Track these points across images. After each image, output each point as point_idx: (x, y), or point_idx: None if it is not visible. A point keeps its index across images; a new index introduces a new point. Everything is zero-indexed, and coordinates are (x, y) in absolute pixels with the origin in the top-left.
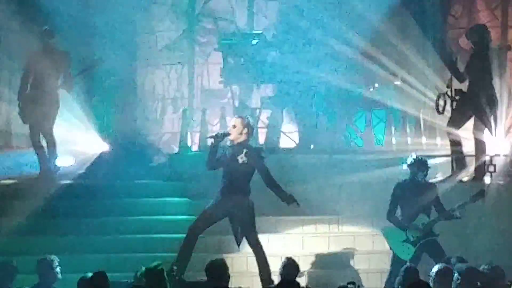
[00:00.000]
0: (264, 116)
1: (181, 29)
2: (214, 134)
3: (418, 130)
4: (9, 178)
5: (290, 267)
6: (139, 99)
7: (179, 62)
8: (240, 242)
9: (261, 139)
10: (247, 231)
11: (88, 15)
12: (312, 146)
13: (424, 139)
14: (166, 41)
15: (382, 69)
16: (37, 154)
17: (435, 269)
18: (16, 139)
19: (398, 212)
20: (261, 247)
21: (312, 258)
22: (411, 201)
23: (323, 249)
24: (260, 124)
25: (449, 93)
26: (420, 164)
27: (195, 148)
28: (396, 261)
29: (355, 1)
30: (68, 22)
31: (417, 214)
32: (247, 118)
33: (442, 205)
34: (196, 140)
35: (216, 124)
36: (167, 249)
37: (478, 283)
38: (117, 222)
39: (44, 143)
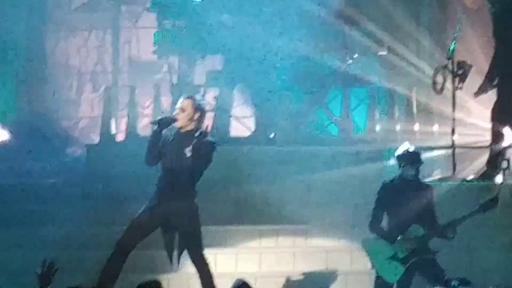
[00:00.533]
0: (210, 96)
1: None
2: (157, 119)
3: (409, 114)
4: None
5: None
6: (48, 74)
7: (99, 27)
8: (179, 259)
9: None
10: (190, 245)
11: None
12: (272, 135)
13: (417, 126)
14: None
15: (364, 36)
16: None
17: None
18: None
19: (385, 220)
20: (206, 265)
21: (273, 280)
22: (401, 207)
23: (287, 267)
24: (206, 107)
25: (450, 66)
26: (412, 158)
27: (120, 137)
28: (380, 284)
29: None
30: None
31: (409, 223)
32: (200, 100)
33: (435, 216)
34: (123, 127)
35: (148, 107)
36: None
37: None
38: (16, 235)
39: None
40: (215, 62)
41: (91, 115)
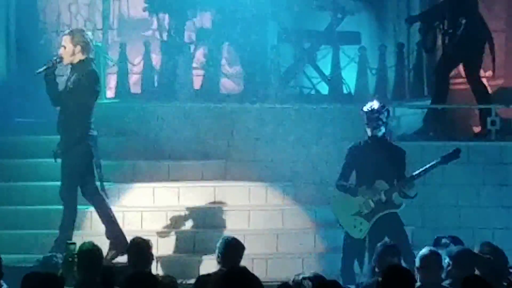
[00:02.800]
0: (200, 53)
1: None
2: (42, 66)
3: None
4: None
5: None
6: (39, 30)
7: None
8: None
9: (197, 83)
10: (84, 181)
11: None
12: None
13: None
14: None
15: None
16: None
17: (420, 254)
18: None
19: (353, 179)
20: (102, 200)
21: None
22: (367, 164)
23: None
24: (195, 64)
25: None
26: (374, 115)
27: (110, 94)
28: (349, 242)
29: None
30: None
31: (373, 179)
32: (79, 31)
33: (402, 176)
34: (112, 84)
35: (138, 63)
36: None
37: (475, 269)
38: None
39: None
40: (205, 19)
41: None
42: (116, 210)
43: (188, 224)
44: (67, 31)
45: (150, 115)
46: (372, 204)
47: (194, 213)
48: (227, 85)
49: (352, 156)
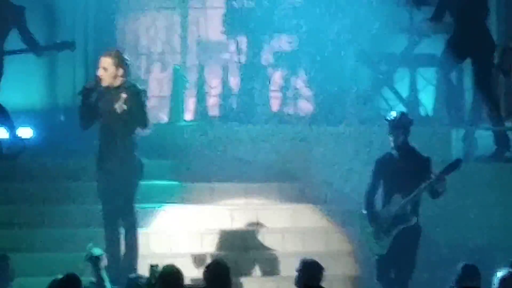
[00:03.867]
0: (278, 76)
1: None
2: (81, 89)
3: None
4: None
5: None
6: None
7: (168, 6)
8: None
9: (274, 105)
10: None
11: None
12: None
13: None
14: None
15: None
16: None
17: (498, 275)
18: None
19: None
20: (135, 220)
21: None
22: (392, 175)
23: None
24: (273, 87)
25: None
26: (395, 123)
27: (189, 116)
28: (377, 259)
29: None
30: None
31: (392, 193)
32: (120, 53)
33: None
34: (191, 106)
35: (216, 86)
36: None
37: None
38: (92, 211)
39: None
40: (282, 42)
41: (159, 94)
42: (194, 232)
43: (267, 246)
44: (107, 53)
45: (228, 137)
46: (390, 220)
47: (272, 234)
48: (304, 107)
49: (377, 167)
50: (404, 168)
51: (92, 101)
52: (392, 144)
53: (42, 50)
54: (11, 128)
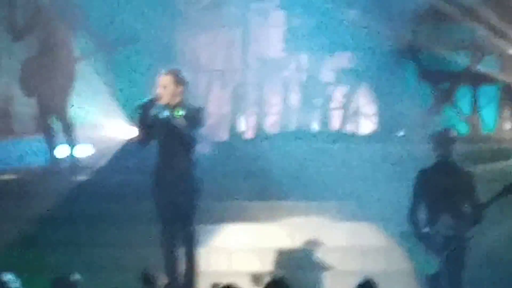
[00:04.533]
0: (339, 93)
1: None
2: (140, 104)
3: None
4: (9, 173)
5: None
6: None
7: (229, 24)
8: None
9: (335, 123)
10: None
11: None
12: (401, 133)
13: None
14: None
15: (493, 33)
16: (47, 140)
17: None
18: (18, 122)
19: (423, 209)
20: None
21: None
22: (434, 193)
23: None
24: (334, 105)
25: None
26: (439, 139)
27: (250, 134)
28: (425, 279)
29: None
30: None
31: (439, 213)
32: (178, 71)
33: (478, 201)
34: (251, 124)
35: (276, 104)
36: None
37: None
38: (148, 231)
39: (57, 125)
40: (343, 60)
41: (219, 112)
42: (254, 250)
43: (326, 265)
44: (166, 71)
45: (287, 155)
46: (440, 240)
47: (332, 253)
48: (366, 125)
49: (417, 184)
50: (448, 185)
51: (150, 118)
52: (435, 160)
53: None
54: (73, 146)
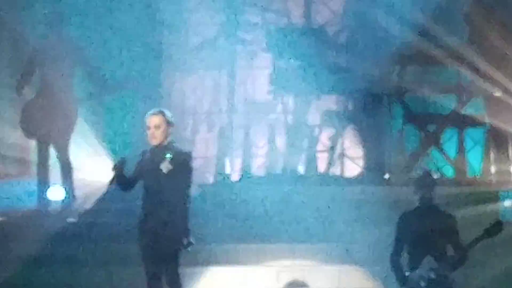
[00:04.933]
0: (325, 136)
1: (218, 23)
2: (115, 163)
3: None
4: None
5: None
6: None
7: (215, 67)
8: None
9: (321, 166)
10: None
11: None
12: (386, 176)
13: None
14: (200, 38)
15: (479, 76)
16: (40, 180)
17: None
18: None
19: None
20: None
21: None
22: (416, 237)
23: None
24: (320, 147)
25: None
26: (420, 182)
27: (235, 177)
28: None
29: None
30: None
31: (423, 256)
32: (167, 112)
33: (460, 244)
34: (237, 166)
35: (262, 146)
36: None
37: None
38: (133, 273)
39: (57, 165)
40: (329, 102)
41: (205, 155)
42: None
43: None
44: (156, 111)
45: (273, 198)
46: (423, 284)
47: None
48: (351, 167)
49: (399, 226)
50: (430, 228)
51: (135, 167)
52: (417, 203)
53: None
54: (69, 188)
